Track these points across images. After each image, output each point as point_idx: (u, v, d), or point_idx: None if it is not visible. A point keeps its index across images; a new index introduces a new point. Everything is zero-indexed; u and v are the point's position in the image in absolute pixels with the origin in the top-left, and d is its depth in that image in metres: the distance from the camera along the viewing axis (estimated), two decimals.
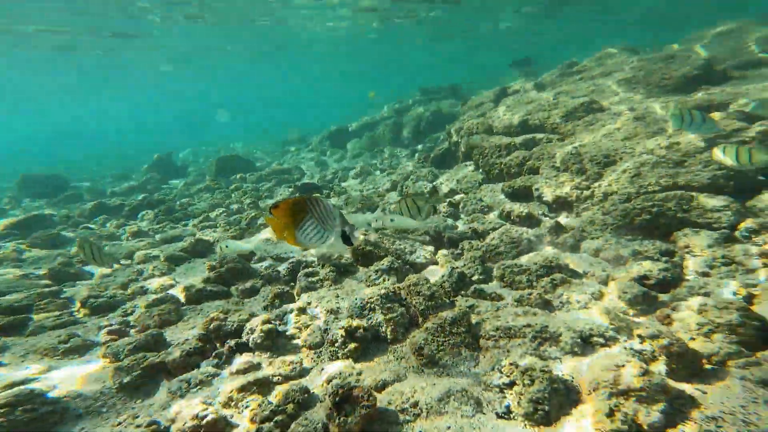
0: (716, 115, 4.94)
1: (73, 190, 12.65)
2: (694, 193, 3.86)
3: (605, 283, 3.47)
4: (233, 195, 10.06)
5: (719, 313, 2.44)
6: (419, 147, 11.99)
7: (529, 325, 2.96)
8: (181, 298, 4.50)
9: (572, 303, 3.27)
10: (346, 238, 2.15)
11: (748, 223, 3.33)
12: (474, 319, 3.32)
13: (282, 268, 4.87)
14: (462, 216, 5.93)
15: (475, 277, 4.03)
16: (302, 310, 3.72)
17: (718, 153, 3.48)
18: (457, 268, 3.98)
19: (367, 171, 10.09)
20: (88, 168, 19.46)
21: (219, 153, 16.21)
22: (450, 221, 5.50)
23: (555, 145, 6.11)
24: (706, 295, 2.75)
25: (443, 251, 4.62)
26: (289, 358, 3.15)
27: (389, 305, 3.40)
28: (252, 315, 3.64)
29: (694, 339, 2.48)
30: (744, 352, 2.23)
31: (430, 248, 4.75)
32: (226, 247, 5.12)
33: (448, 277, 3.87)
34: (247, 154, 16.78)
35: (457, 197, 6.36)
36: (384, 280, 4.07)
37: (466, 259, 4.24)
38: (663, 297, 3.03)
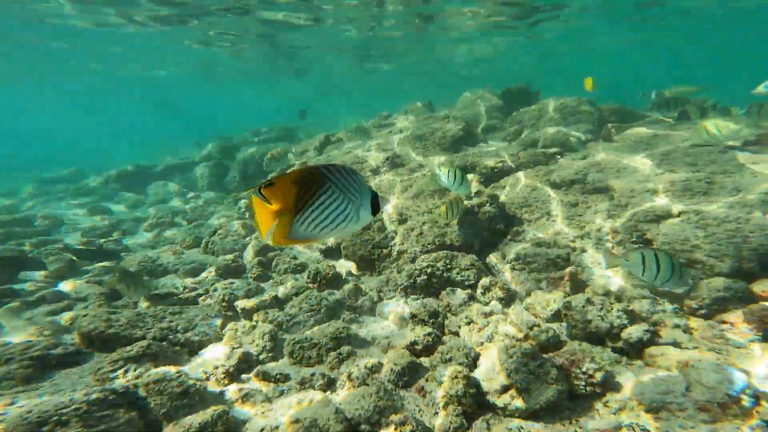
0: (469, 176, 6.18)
1: None
2: (455, 252, 4.58)
3: (386, 350, 3.65)
4: None
5: (451, 383, 2.77)
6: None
7: (298, 421, 2.78)
8: None
9: (353, 380, 3.26)
10: (375, 205, 1.73)
11: (483, 281, 4.10)
12: (244, 411, 3.01)
13: None
14: (273, 276, 5.56)
15: (262, 356, 3.70)
16: None
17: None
18: (239, 348, 3.62)
19: (167, 222, 8.10)
20: None
21: None
22: (254, 285, 5.05)
23: None
24: (450, 360, 3.15)
25: (233, 324, 4.15)
26: None
27: (106, 413, 2.68)
28: None
29: (437, 413, 2.74)
30: (464, 424, 2.55)
31: (218, 321, 4.21)
32: None
33: (225, 360, 3.52)
34: None
35: (272, 254, 5.98)
36: (122, 374, 3.33)
37: (256, 334, 3.87)
38: (425, 362, 3.33)
